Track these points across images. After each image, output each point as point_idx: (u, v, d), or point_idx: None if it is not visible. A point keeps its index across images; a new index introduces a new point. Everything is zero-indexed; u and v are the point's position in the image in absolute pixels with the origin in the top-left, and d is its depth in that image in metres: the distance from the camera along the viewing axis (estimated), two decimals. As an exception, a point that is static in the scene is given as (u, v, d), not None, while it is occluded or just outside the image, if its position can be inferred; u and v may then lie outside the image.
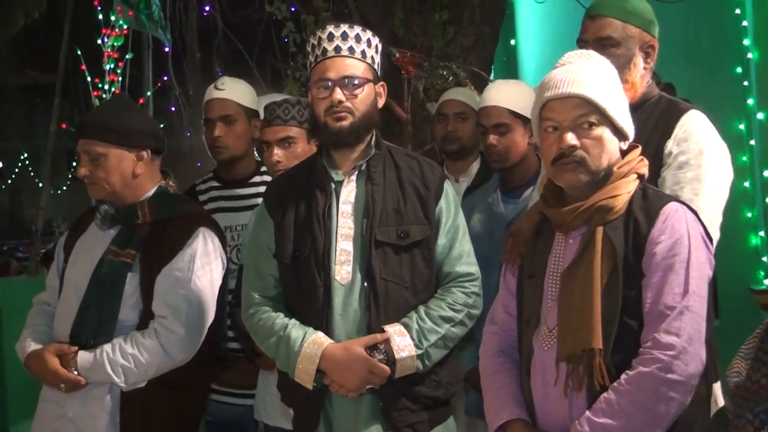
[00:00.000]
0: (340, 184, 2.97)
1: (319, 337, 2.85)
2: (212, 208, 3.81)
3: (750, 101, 6.60)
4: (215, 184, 3.93)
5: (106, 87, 10.00)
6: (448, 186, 2.99)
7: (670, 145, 2.90)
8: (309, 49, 2.98)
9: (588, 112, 2.40)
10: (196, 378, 3.31)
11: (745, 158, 6.69)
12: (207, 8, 8.65)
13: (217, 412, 3.83)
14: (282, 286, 2.98)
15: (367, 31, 2.97)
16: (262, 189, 3.81)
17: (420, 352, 2.81)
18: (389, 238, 2.86)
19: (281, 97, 3.87)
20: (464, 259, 2.94)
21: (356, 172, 2.97)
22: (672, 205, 2.39)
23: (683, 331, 2.26)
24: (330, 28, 2.93)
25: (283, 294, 2.99)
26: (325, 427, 2.92)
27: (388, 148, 3.03)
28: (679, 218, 2.36)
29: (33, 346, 3.18)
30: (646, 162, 2.50)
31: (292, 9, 6.02)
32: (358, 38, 2.93)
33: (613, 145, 2.43)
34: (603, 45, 2.94)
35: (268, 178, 3.86)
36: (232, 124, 3.80)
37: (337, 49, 2.90)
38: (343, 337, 2.86)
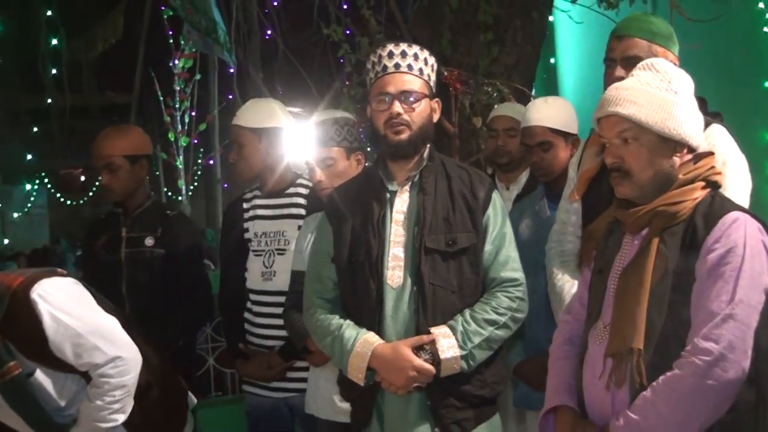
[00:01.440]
0: (394, 194, 2.97)
1: (370, 337, 2.86)
2: (251, 215, 3.84)
3: (777, 113, 6.53)
4: (257, 193, 3.96)
5: (177, 105, 10.13)
6: (496, 196, 2.98)
7: None
8: (369, 66, 2.99)
9: (627, 128, 2.36)
10: (165, 370, 3.28)
11: (772, 168, 6.62)
12: (269, 32, 8.72)
13: (253, 403, 3.87)
14: (339, 289, 2.99)
15: (424, 50, 2.97)
16: (295, 200, 3.84)
17: (464, 353, 2.80)
18: (438, 245, 2.86)
19: (330, 116, 3.90)
20: (510, 265, 2.92)
21: (410, 183, 2.97)
22: (733, 215, 2.30)
23: (723, 338, 2.18)
24: (390, 47, 2.94)
25: (340, 296, 3.00)
26: (378, 422, 2.93)
27: (441, 160, 3.02)
28: (737, 227, 2.27)
29: None
30: (717, 170, 2.44)
31: (347, 32, 6.05)
32: (416, 56, 2.93)
33: (659, 155, 2.37)
34: (631, 64, 2.89)
35: (302, 191, 3.86)
36: (240, 149, 3.81)
37: (397, 65, 2.91)
38: (394, 337, 2.86)
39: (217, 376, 5.96)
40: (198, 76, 10.14)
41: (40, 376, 2.97)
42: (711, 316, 2.20)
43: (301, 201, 3.85)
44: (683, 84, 2.43)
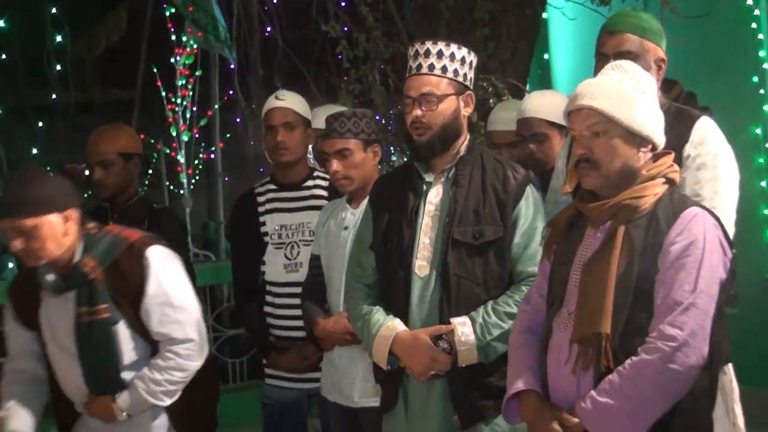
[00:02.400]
0: (430, 185, 3.00)
1: (395, 323, 2.91)
2: (269, 208, 3.85)
3: (766, 107, 6.54)
4: (272, 187, 3.96)
5: (179, 101, 10.11)
6: (530, 189, 2.97)
7: (688, 149, 2.92)
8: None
9: (597, 122, 2.44)
10: (209, 369, 3.30)
11: (761, 160, 6.63)
12: (269, 29, 8.70)
13: (273, 395, 3.88)
14: (377, 274, 3.04)
15: (452, 45, 2.96)
16: (315, 192, 3.88)
17: (481, 344, 2.83)
18: (465, 237, 2.88)
19: (336, 109, 3.91)
20: (537, 260, 2.89)
21: (445, 175, 2.99)
22: (693, 210, 2.40)
23: (687, 326, 2.26)
24: (417, 45, 2.97)
25: (377, 281, 3.04)
26: (403, 404, 2.97)
27: (481, 153, 3.03)
28: (697, 222, 2.37)
29: (13, 425, 3.06)
30: (677, 168, 2.51)
31: (345, 28, 6.04)
32: (440, 54, 2.93)
33: (626, 150, 2.44)
34: (622, 58, 2.92)
35: (321, 183, 3.91)
36: (293, 131, 3.83)
37: (419, 67, 2.94)
38: (418, 324, 2.91)
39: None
40: (199, 72, 10.12)
41: (119, 329, 3.04)
42: (675, 304, 2.29)
43: (323, 193, 3.87)
44: (649, 85, 2.52)
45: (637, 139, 2.45)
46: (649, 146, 2.48)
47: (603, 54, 3.00)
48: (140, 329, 3.05)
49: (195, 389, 3.17)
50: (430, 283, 2.92)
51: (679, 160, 2.87)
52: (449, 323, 2.86)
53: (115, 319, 3.02)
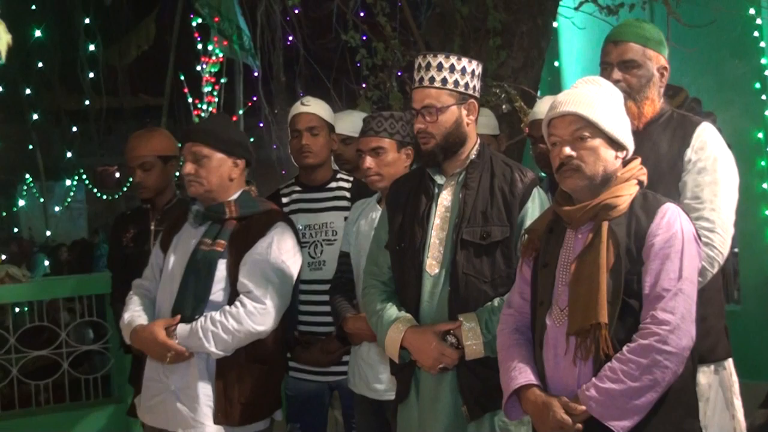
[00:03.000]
0: (442, 187, 3.03)
1: (406, 319, 2.94)
2: (294, 209, 3.86)
3: (767, 113, 6.53)
4: (297, 188, 3.98)
5: (205, 107, 10.16)
6: (537, 191, 2.98)
7: (689, 153, 2.93)
8: None
9: (582, 127, 2.48)
10: (278, 353, 3.39)
11: (763, 163, 6.62)
12: (291, 38, 8.74)
13: (296, 387, 3.89)
14: (392, 272, 3.08)
15: (451, 57, 2.97)
16: (338, 193, 3.90)
17: (487, 339, 2.84)
18: (473, 237, 2.90)
19: (356, 115, 3.94)
20: None
21: (456, 179, 3.02)
22: (669, 205, 2.47)
23: (677, 310, 2.34)
24: (419, 59, 2.99)
25: (392, 279, 3.08)
26: (415, 395, 3.00)
27: (491, 157, 3.05)
28: (674, 216, 2.44)
29: (139, 321, 3.26)
30: (644, 170, 2.57)
31: (363, 37, 6.06)
32: (440, 67, 2.94)
33: (608, 154, 2.50)
34: (627, 67, 2.97)
35: (344, 185, 3.93)
36: (317, 135, 3.85)
37: (421, 80, 2.96)
38: (429, 320, 2.93)
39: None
40: (224, 80, 10.17)
41: (220, 265, 3.23)
42: (664, 291, 2.36)
43: (346, 194, 3.89)
44: (619, 98, 2.60)
45: (615, 145, 2.50)
46: (624, 152, 2.53)
47: (608, 63, 3.02)
48: (233, 275, 3.22)
49: (250, 373, 3.22)
50: (440, 281, 2.93)
51: (680, 165, 2.92)
52: (457, 319, 2.89)
53: (223, 256, 3.22)
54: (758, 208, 6.57)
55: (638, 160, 2.57)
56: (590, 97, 2.50)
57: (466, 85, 2.99)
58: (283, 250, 3.27)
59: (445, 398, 2.93)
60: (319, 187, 3.93)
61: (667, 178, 2.90)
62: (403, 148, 3.43)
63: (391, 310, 2.99)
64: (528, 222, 2.91)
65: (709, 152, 2.92)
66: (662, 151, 2.94)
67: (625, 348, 2.35)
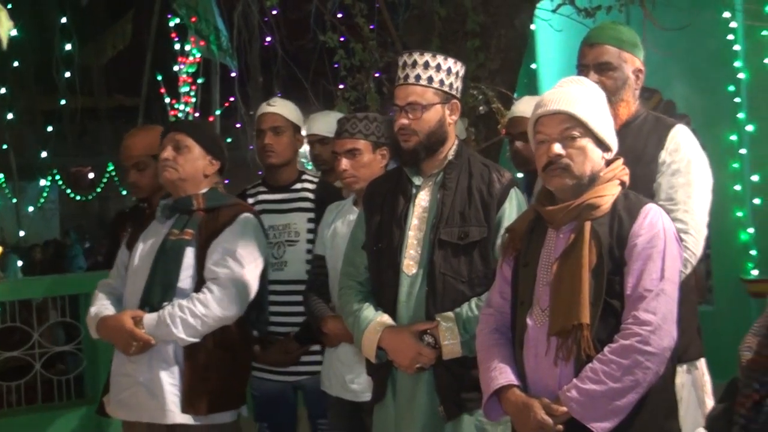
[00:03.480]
0: (419, 188, 3.03)
1: (383, 319, 2.95)
2: (259, 209, 3.85)
3: (741, 115, 6.61)
4: (262, 189, 4.00)
5: (182, 107, 10.12)
6: (515, 192, 3.00)
7: (664, 155, 2.96)
8: None
9: (572, 126, 2.48)
10: (245, 342, 3.44)
11: (736, 165, 6.69)
12: (268, 39, 8.72)
13: (260, 387, 3.91)
14: (369, 272, 3.08)
15: (438, 56, 3.00)
16: (302, 194, 3.92)
17: (464, 339, 2.86)
18: (451, 237, 2.91)
19: (333, 115, 3.95)
20: None
21: (434, 179, 3.03)
22: (651, 206, 2.48)
23: (659, 311, 2.35)
24: (405, 57, 3.01)
25: (369, 279, 3.08)
26: (392, 395, 3.00)
27: (469, 157, 3.06)
28: (656, 217, 2.45)
29: (106, 312, 3.31)
30: (627, 171, 2.58)
31: (341, 39, 6.06)
32: (426, 65, 2.96)
33: (595, 155, 2.50)
34: (602, 69, 3.00)
35: (308, 185, 3.95)
36: (281, 135, 3.88)
37: (406, 77, 2.98)
38: (406, 320, 2.94)
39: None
40: (201, 80, 10.14)
41: (188, 252, 3.30)
42: (646, 292, 2.36)
43: (309, 195, 3.89)
44: (603, 98, 2.61)
45: (602, 145, 2.51)
46: (609, 153, 2.54)
47: (584, 65, 3.05)
48: (200, 263, 3.29)
49: (218, 361, 3.26)
50: (417, 281, 2.94)
51: (655, 166, 2.95)
52: (435, 319, 2.90)
53: (191, 244, 3.30)
54: (731, 209, 6.64)
55: (621, 161, 2.58)
56: (579, 96, 2.51)
57: (451, 85, 3.01)
58: (248, 240, 3.33)
59: (421, 398, 2.93)
60: (284, 188, 3.95)
61: (641, 179, 2.90)
62: (378, 149, 3.44)
63: (368, 311, 2.99)
64: (505, 222, 2.92)
65: (683, 154, 2.95)
66: (637, 152, 2.95)
67: (606, 349, 2.35)
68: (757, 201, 6.54)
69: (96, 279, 3.63)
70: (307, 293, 3.59)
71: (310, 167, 4.78)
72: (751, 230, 6.60)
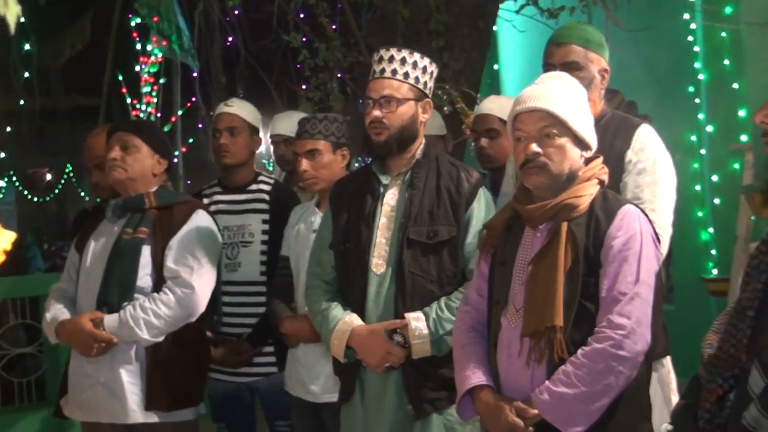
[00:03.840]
0: (386, 187, 3.03)
1: (352, 318, 2.94)
2: (214, 210, 3.85)
3: (700, 116, 6.69)
4: (218, 189, 3.99)
5: (143, 107, 10.03)
6: (482, 192, 3.01)
7: (630, 154, 2.98)
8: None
9: (550, 124, 2.45)
10: (203, 338, 3.48)
11: (696, 165, 6.77)
12: (230, 39, 8.69)
13: (214, 387, 3.91)
14: (336, 272, 3.07)
15: (414, 54, 3.00)
16: (258, 195, 3.91)
17: (434, 338, 2.86)
18: (420, 236, 2.91)
19: (297, 116, 3.94)
20: None
21: (401, 178, 3.02)
22: (628, 207, 2.46)
23: (633, 315, 2.32)
24: (381, 51, 3.00)
25: (336, 279, 3.07)
26: (360, 395, 3.00)
27: (437, 156, 3.06)
28: (633, 218, 2.42)
29: (64, 316, 3.30)
30: (606, 170, 2.56)
31: (304, 39, 6.06)
32: (403, 61, 2.96)
33: (574, 153, 2.48)
34: (569, 68, 2.98)
35: (264, 187, 3.95)
36: (236, 135, 3.88)
37: (382, 71, 2.97)
38: (375, 319, 2.93)
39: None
40: (163, 80, 10.06)
41: (144, 251, 3.29)
42: (620, 295, 2.34)
43: (265, 197, 3.88)
44: (584, 95, 2.58)
45: (581, 144, 2.49)
46: (588, 151, 2.52)
47: (550, 64, 3.06)
48: (158, 261, 3.29)
49: (178, 359, 3.27)
50: (386, 280, 2.94)
51: (621, 166, 2.97)
52: (404, 318, 2.89)
53: (146, 242, 3.31)
54: (691, 209, 6.72)
55: (600, 159, 2.56)
56: (559, 93, 2.48)
57: (425, 84, 3.03)
58: (205, 236, 3.36)
59: (390, 397, 2.93)
60: (239, 189, 3.94)
61: (609, 178, 2.90)
62: (339, 149, 3.44)
63: (336, 310, 2.98)
64: (474, 222, 2.94)
65: (649, 153, 2.98)
66: (603, 152, 2.95)
67: (579, 352, 2.34)
68: (717, 201, 6.63)
69: (55, 280, 3.60)
70: (269, 295, 3.58)
71: (270, 168, 4.77)
72: (711, 230, 6.69)
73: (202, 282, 3.29)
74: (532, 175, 2.46)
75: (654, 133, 3.06)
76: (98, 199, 4.16)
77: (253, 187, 3.95)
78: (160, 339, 3.23)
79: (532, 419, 2.37)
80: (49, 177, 22.76)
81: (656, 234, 2.50)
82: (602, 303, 2.37)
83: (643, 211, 2.51)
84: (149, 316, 3.17)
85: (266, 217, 3.84)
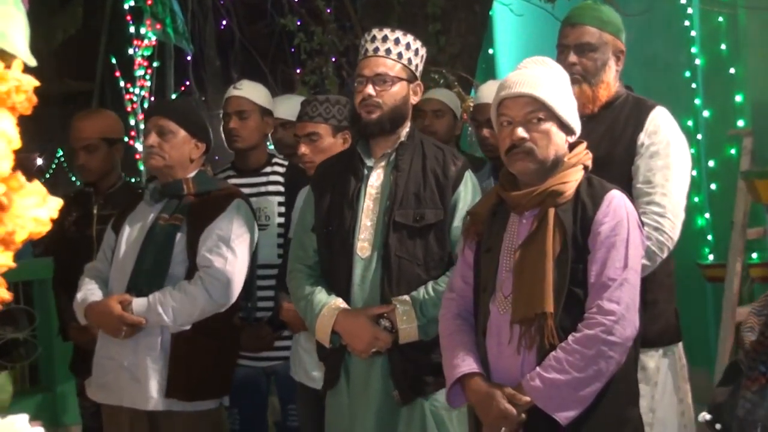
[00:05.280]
0: (371, 169, 2.99)
1: (338, 302, 2.90)
2: None
3: (697, 101, 6.67)
4: (231, 173, 3.97)
5: (137, 91, 10.00)
6: (468, 175, 2.99)
7: (642, 137, 2.91)
8: (360, 49, 3.02)
9: (536, 109, 2.43)
10: (231, 329, 3.40)
11: (692, 150, 6.72)
12: (224, 22, 8.66)
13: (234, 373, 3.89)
14: (318, 256, 3.03)
15: (408, 35, 2.98)
16: (273, 178, 3.89)
17: (421, 323, 2.84)
18: (406, 219, 2.89)
19: (293, 99, 3.92)
20: None
21: (386, 160, 2.99)
22: (614, 192, 2.44)
23: (622, 300, 2.33)
24: (374, 31, 2.97)
25: (319, 263, 3.03)
26: (345, 381, 2.97)
27: (421, 140, 3.04)
28: (619, 203, 2.42)
29: (93, 297, 3.26)
30: (590, 155, 2.54)
31: (299, 23, 6.04)
32: (397, 41, 2.94)
33: (559, 138, 2.46)
34: (582, 50, 2.97)
35: (279, 169, 3.92)
36: (246, 119, 3.85)
37: (376, 50, 2.93)
38: (360, 304, 2.90)
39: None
40: (157, 63, 10.03)
41: (178, 238, 3.25)
42: (609, 281, 2.34)
43: (280, 179, 3.87)
44: (567, 80, 2.57)
45: (565, 129, 2.48)
46: (572, 136, 2.52)
47: (564, 45, 3.02)
48: (191, 249, 3.24)
49: (203, 347, 3.23)
50: (372, 264, 2.91)
51: (633, 148, 2.92)
52: (390, 302, 2.86)
53: (181, 229, 3.25)
54: (688, 195, 6.73)
55: (584, 145, 2.55)
56: (543, 78, 2.47)
57: (416, 66, 3.01)
58: (242, 227, 3.30)
59: (376, 383, 2.91)
60: (253, 172, 3.92)
61: (620, 162, 2.89)
62: (340, 132, 3.41)
63: (321, 294, 2.94)
64: (461, 206, 2.92)
65: (662, 136, 2.91)
66: (615, 134, 2.94)
67: (570, 338, 2.34)
68: (713, 186, 6.63)
69: (46, 265, 3.56)
70: (278, 279, 3.56)
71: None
72: (707, 215, 6.70)
73: (235, 272, 3.23)
74: (518, 160, 2.45)
75: (668, 115, 3.00)
76: (79, 183, 4.15)
77: (268, 169, 3.94)
78: (188, 327, 3.19)
79: (523, 406, 2.37)
80: (39, 161, 22.78)
81: (641, 218, 2.51)
82: (591, 289, 2.38)
83: (628, 195, 2.50)
84: (178, 303, 3.13)
85: (281, 199, 3.83)
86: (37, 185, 0.89)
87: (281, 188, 3.85)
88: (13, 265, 0.88)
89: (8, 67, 0.84)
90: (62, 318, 4.06)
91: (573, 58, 2.95)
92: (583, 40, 2.97)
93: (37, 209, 0.88)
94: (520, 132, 2.43)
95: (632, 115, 2.97)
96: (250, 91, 3.93)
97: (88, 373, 3.41)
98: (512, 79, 2.50)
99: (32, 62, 0.87)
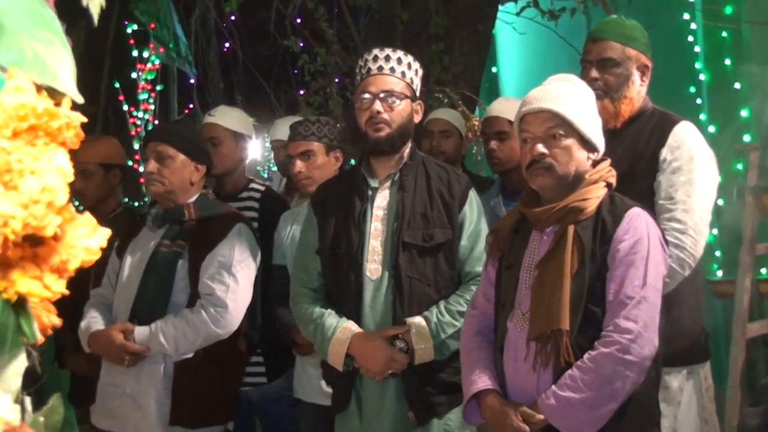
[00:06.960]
0: (376, 190, 3.00)
1: (350, 325, 2.89)
2: None
3: (702, 116, 6.68)
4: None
5: (140, 115, 10.04)
6: (472, 194, 3.00)
7: (665, 153, 2.89)
8: (357, 69, 3.02)
9: (557, 125, 2.44)
10: (235, 355, 3.40)
11: (699, 166, 6.74)
12: (227, 45, 8.71)
13: None
14: (323, 279, 3.02)
15: (408, 55, 3.00)
16: (248, 203, 3.92)
17: (437, 343, 2.84)
18: (415, 240, 2.89)
19: (297, 119, 3.96)
20: (483, 260, 2.89)
21: (390, 180, 2.99)
22: (635, 210, 2.43)
23: (640, 319, 2.30)
24: (375, 51, 2.98)
25: (324, 286, 3.03)
26: (356, 404, 2.96)
27: (422, 159, 3.05)
28: (641, 221, 2.40)
29: (96, 326, 3.26)
30: (614, 172, 2.53)
31: (301, 44, 6.08)
32: (399, 60, 2.96)
33: (581, 155, 2.46)
34: (604, 65, 2.96)
35: (254, 194, 3.95)
36: (217, 145, 3.87)
37: (380, 68, 2.94)
38: (372, 326, 2.90)
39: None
40: (160, 87, 10.07)
41: (180, 265, 3.25)
42: (627, 299, 2.32)
43: (254, 204, 3.90)
44: (592, 97, 2.56)
45: (588, 146, 2.48)
46: (595, 153, 2.51)
47: (587, 61, 3.01)
48: (193, 276, 3.23)
49: (206, 374, 3.23)
50: (382, 285, 2.91)
51: (655, 163, 2.89)
52: (403, 323, 2.87)
53: (183, 256, 3.25)
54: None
55: (608, 162, 2.54)
56: (565, 95, 2.46)
57: (417, 86, 3.03)
58: (244, 251, 3.30)
59: (390, 405, 2.91)
60: (230, 197, 3.94)
61: (643, 177, 2.87)
62: (332, 151, 3.48)
63: (332, 318, 2.93)
64: (467, 225, 2.94)
65: (685, 151, 2.87)
66: (639, 150, 2.91)
67: (586, 356, 2.32)
68: (720, 202, 6.62)
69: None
70: (274, 305, 3.56)
71: (265, 176, 4.77)
72: (714, 231, 6.69)
73: (237, 300, 3.23)
74: (538, 176, 2.46)
75: (694, 130, 2.95)
76: (80, 207, 4.15)
77: (244, 194, 3.97)
78: (190, 355, 3.19)
79: (538, 424, 2.36)
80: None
81: (664, 236, 2.49)
82: (609, 307, 2.36)
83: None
84: (179, 332, 3.13)
85: (254, 225, 3.84)
86: (87, 216, 0.94)
87: (255, 213, 3.88)
88: (66, 292, 0.92)
89: (58, 104, 0.89)
90: (57, 345, 4.06)
91: (595, 73, 2.95)
92: (605, 55, 2.97)
93: (87, 239, 0.92)
94: (540, 148, 2.44)
95: (656, 130, 2.94)
96: (223, 117, 3.96)
97: (86, 402, 3.41)
98: (534, 95, 2.51)
99: (80, 100, 0.92)
